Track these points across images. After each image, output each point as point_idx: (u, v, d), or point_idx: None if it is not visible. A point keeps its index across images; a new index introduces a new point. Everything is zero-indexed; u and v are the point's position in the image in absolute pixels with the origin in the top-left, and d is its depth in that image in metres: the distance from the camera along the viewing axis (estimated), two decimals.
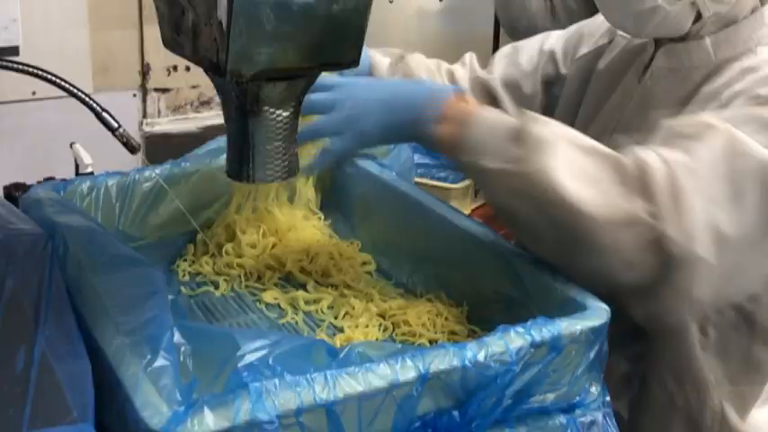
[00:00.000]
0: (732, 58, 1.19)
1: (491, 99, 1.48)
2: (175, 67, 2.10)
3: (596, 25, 1.44)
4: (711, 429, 1.30)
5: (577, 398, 1.05)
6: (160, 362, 0.89)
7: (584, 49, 1.43)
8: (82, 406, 0.86)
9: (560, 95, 1.45)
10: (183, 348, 0.95)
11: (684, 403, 1.29)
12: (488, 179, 1.11)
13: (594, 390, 1.07)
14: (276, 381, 0.88)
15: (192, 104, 2.17)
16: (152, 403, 0.85)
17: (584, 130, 1.16)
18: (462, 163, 1.14)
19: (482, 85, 1.51)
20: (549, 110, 1.45)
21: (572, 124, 1.27)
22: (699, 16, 1.20)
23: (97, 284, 1.02)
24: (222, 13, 0.95)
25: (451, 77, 1.52)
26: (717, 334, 1.27)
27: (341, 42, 1.01)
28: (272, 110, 1.05)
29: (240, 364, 0.92)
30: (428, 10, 2.83)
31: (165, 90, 2.13)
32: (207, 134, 2.02)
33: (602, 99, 1.36)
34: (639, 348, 1.28)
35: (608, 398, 1.08)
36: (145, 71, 2.09)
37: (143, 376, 0.87)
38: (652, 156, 1.07)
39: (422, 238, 1.32)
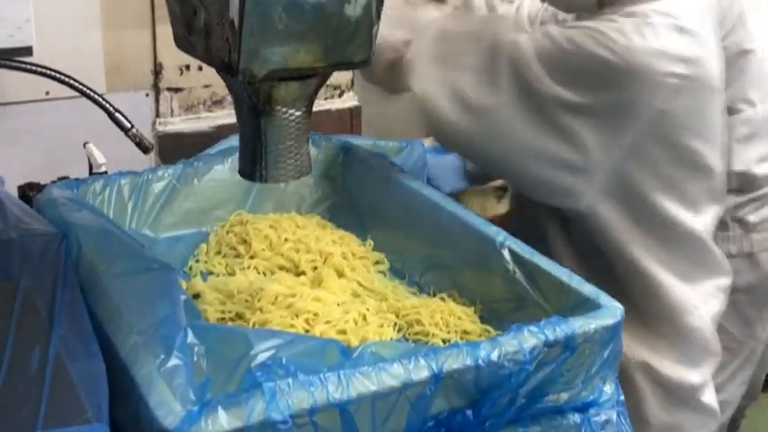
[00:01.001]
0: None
1: None
2: (188, 67, 2.09)
3: None
4: None
5: (591, 397, 1.05)
6: (174, 361, 0.89)
7: None
8: (96, 406, 0.86)
9: None
10: (196, 348, 0.95)
11: None
12: None
13: (608, 388, 1.06)
14: (290, 380, 0.88)
15: (204, 104, 2.16)
16: (166, 403, 0.85)
17: None
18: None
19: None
20: None
21: None
22: None
23: (110, 284, 1.02)
24: (234, 12, 0.95)
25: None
26: (580, 239, 1.39)
27: (352, 42, 1.01)
28: (284, 109, 1.05)
29: (254, 364, 0.93)
30: None
31: (177, 89, 2.13)
32: (220, 133, 2.01)
33: None
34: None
35: (622, 397, 1.08)
36: (157, 71, 2.09)
37: (157, 376, 0.87)
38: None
39: (434, 236, 1.32)
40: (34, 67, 1.49)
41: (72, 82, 1.48)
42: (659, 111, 1.26)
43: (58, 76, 1.46)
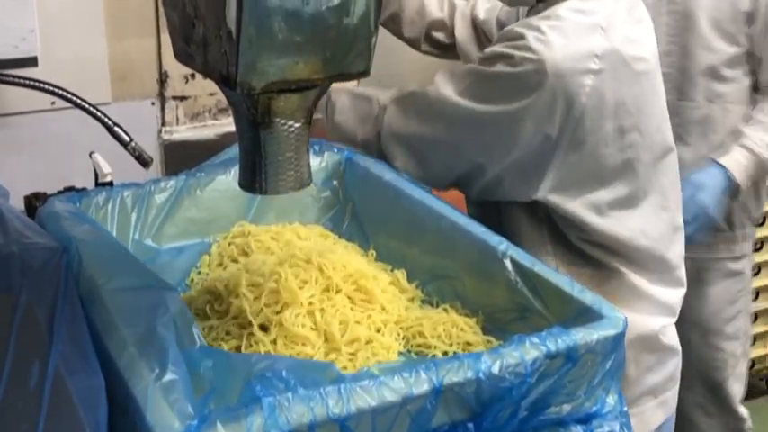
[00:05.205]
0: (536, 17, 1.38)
1: (485, 37, 1.66)
2: (193, 75, 2.09)
3: None
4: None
5: (594, 408, 1.04)
6: (170, 376, 0.88)
7: None
8: (95, 423, 0.86)
9: None
10: (201, 362, 0.95)
11: None
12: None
13: (611, 400, 1.05)
14: (289, 395, 0.88)
15: (210, 112, 2.17)
16: (163, 418, 0.85)
17: None
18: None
19: (480, 24, 1.67)
20: None
21: None
22: None
23: (109, 299, 1.02)
24: (231, 24, 0.94)
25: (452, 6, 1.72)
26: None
27: (350, 53, 1.01)
28: (283, 121, 1.04)
29: (253, 378, 0.92)
30: None
31: (183, 98, 2.13)
32: (225, 141, 2.01)
33: None
34: None
35: (625, 408, 1.07)
36: (163, 79, 2.09)
37: (153, 390, 0.87)
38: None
39: (436, 246, 1.32)
40: (33, 82, 1.49)
41: (70, 96, 1.48)
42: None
43: (56, 90, 1.46)
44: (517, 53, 1.31)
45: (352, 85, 1.59)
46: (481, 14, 1.66)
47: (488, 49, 1.39)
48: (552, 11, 1.36)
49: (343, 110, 1.53)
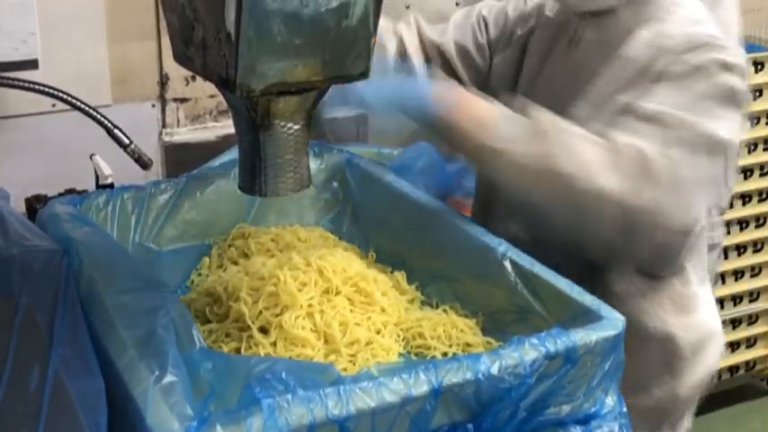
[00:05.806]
0: (641, 25, 1.32)
1: (444, 62, 1.54)
2: (194, 77, 2.10)
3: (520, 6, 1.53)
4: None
5: (593, 409, 1.04)
6: (169, 378, 0.89)
7: (518, 31, 1.51)
8: (95, 425, 0.87)
9: (494, 71, 1.52)
10: (201, 364, 0.95)
11: None
12: (509, 168, 1.24)
13: (611, 400, 1.06)
14: (289, 396, 0.88)
15: (210, 113, 2.17)
16: (164, 420, 0.85)
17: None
18: (480, 148, 1.24)
19: (435, 48, 1.56)
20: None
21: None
22: None
23: (109, 301, 1.03)
24: (230, 26, 0.95)
25: (400, 39, 1.56)
26: None
27: (350, 55, 1.01)
28: (282, 123, 1.04)
29: (253, 379, 0.92)
30: (446, 14, 2.81)
31: (183, 100, 2.14)
32: (226, 143, 2.02)
33: (535, 72, 1.46)
34: None
35: (624, 408, 1.07)
36: (163, 81, 2.10)
37: (154, 392, 0.87)
38: (642, 144, 1.22)
39: (436, 248, 1.32)
40: (34, 85, 1.49)
41: (70, 98, 1.48)
42: None
43: (57, 93, 1.46)
44: (729, 59, 1.24)
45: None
46: (435, 37, 1.55)
47: (691, 60, 1.24)
48: (688, 12, 1.31)
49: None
